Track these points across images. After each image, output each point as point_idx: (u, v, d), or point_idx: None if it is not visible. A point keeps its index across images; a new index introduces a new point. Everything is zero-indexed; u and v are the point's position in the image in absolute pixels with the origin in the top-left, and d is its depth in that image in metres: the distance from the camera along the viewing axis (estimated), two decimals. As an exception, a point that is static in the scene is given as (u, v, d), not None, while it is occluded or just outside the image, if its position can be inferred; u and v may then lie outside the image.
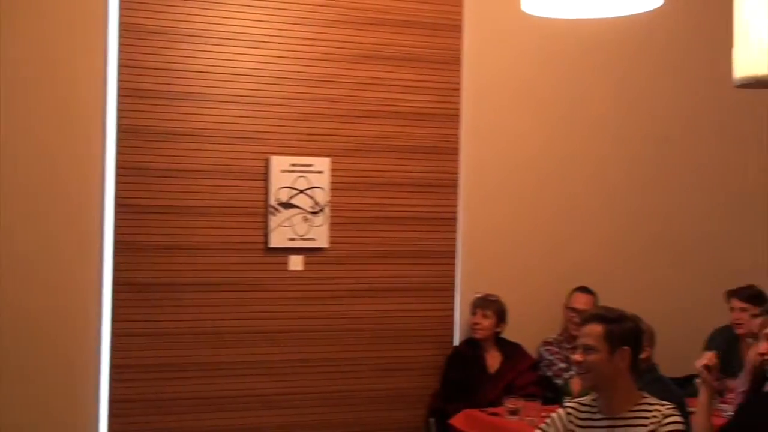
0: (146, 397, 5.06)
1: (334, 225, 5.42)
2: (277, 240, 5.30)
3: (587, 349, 3.41)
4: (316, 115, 5.40)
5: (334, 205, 5.41)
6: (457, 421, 5.16)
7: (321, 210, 5.38)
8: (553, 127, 6.02)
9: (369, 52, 5.52)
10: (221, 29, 5.20)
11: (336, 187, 5.42)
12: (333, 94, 5.44)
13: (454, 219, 5.70)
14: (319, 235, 5.38)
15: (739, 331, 5.49)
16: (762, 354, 3.83)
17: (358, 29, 5.49)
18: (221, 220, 5.21)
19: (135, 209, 5.04)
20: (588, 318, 3.51)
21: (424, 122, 5.62)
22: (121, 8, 4.99)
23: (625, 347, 3.41)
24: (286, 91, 5.34)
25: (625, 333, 3.44)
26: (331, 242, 5.42)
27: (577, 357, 3.44)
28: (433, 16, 5.64)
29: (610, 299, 5.10)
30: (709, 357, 3.91)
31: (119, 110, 5.00)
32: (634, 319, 3.53)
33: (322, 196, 5.37)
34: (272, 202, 5.28)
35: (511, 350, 5.62)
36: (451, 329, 5.71)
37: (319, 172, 5.37)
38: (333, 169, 5.41)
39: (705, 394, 3.90)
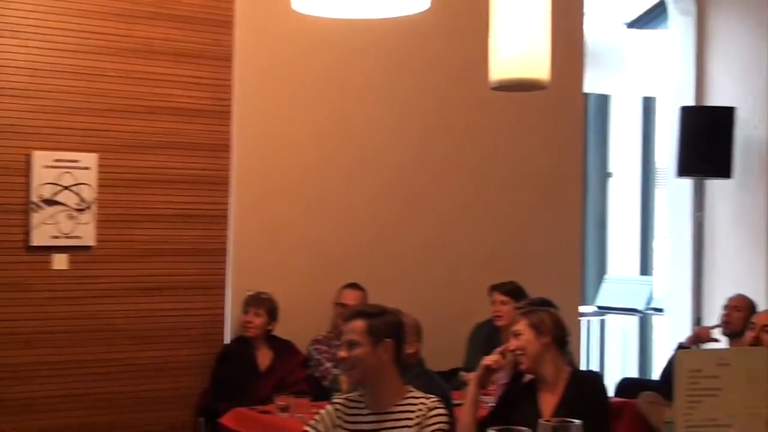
0: None
1: (102, 222, 5.27)
2: (39, 238, 5.10)
3: (351, 344, 3.47)
4: (83, 109, 5.23)
5: (101, 203, 5.25)
6: (227, 419, 5.12)
7: (88, 207, 5.21)
8: (324, 126, 6.08)
9: (139, 46, 5.40)
10: (-22, 16, 4.94)
11: (104, 184, 5.26)
12: (101, 89, 5.28)
13: (225, 217, 5.66)
14: (86, 233, 5.22)
15: (499, 323, 5.77)
16: (511, 351, 4.04)
17: (130, 22, 5.36)
18: (-22, 218, 4.96)
19: None
20: (350, 315, 3.58)
21: (195, 119, 5.55)
22: None
23: (388, 340, 3.49)
24: (51, 84, 5.14)
25: (387, 326, 3.53)
26: (99, 240, 5.27)
27: (341, 353, 3.50)
28: (205, 11, 5.57)
29: (379, 295, 5.20)
30: (495, 359, 4.09)
31: None
32: (396, 314, 3.63)
33: (89, 193, 5.21)
34: (34, 198, 5.08)
35: (282, 348, 5.64)
36: (221, 327, 5.67)
37: (86, 169, 5.20)
38: (101, 166, 5.25)
39: (474, 388, 4.07)
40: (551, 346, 4.04)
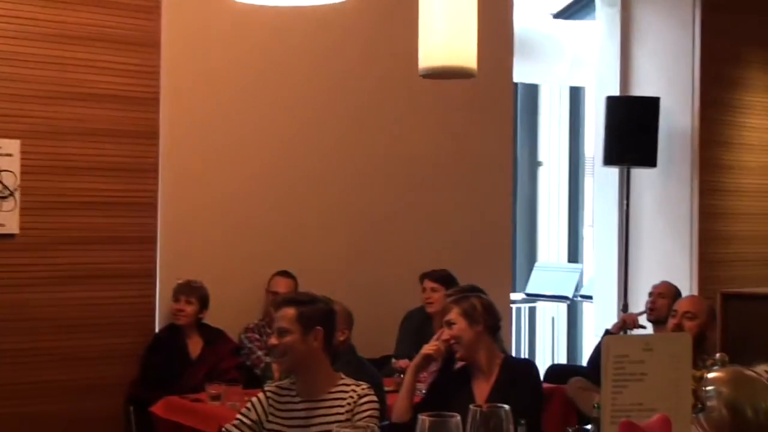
0: None
1: (26, 210, 5.17)
2: (-39, 226, 4.99)
3: (281, 332, 3.48)
4: (4, 95, 5.13)
5: (25, 190, 5.16)
6: (157, 408, 5.08)
7: (11, 194, 5.12)
8: (253, 113, 6.04)
9: (64, 31, 5.30)
10: None
11: (28, 171, 5.17)
12: (25, 74, 5.18)
13: (154, 204, 5.59)
14: (9, 221, 5.12)
15: (430, 309, 5.81)
16: (445, 340, 4.06)
17: (54, 7, 5.26)
18: None
19: None
20: (281, 303, 3.59)
21: (122, 105, 5.47)
22: None
23: (318, 328, 3.50)
24: (-29, 69, 5.03)
25: (318, 314, 3.54)
26: (22, 228, 5.17)
27: (272, 341, 3.51)
28: (132, -4, 5.50)
29: (309, 283, 5.20)
30: (435, 347, 4.11)
31: None
32: (327, 301, 3.64)
33: (12, 180, 5.11)
34: (-44, 185, 4.97)
35: (213, 336, 5.60)
36: (151, 316, 5.61)
37: (9, 155, 5.10)
38: (24, 152, 5.16)
39: (411, 375, 4.09)
40: (484, 333, 4.07)
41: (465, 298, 4.16)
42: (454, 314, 4.06)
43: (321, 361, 3.53)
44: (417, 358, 4.12)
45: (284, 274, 5.88)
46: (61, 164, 5.29)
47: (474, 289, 4.67)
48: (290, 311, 3.50)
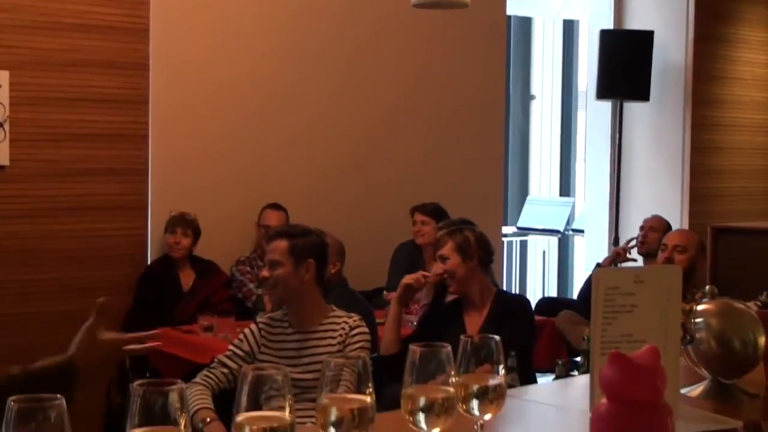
0: None
1: (16, 142, 5.13)
2: (-49, 158, 4.97)
3: (273, 264, 3.50)
4: (-8, 24, 5.06)
5: (14, 121, 5.12)
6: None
7: (0, 126, 5.08)
8: (246, 44, 5.99)
9: (51, -41, 5.22)
10: None
11: (17, 102, 5.12)
12: (13, 4, 5.10)
13: (145, 136, 5.56)
14: (-1, 153, 5.09)
15: (420, 241, 5.85)
16: (439, 275, 4.06)
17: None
18: None
19: None
20: (273, 235, 3.60)
21: (113, 36, 5.40)
22: None
23: (310, 260, 3.52)
24: (-42, -3, 4.95)
25: (310, 247, 3.56)
26: (12, 160, 5.14)
27: (264, 273, 3.53)
28: (121, -76, 5.40)
29: (302, 216, 5.20)
30: (415, 277, 4.10)
31: None
32: (319, 234, 3.64)
33: (1, 112, 5.07)
34: (-55, 117, 4.93)
35: (205, 268, 5.62)
36: (143, 248, 5.61)
37: (-3, 86, 5.06)
38: (12, 83, 5.10)
39: (396, 307, 4.09)
40: (477, 267, 4.07)
41: (458, 231, 4.13)
42: (447, 249, 4.04)
43: (313, 293, 3.55)
44: (399, 289, 4.12)
45: (275, 207, 5.88)
46: (50, 95, 5.24)
47: (465, 222, 4.67)
48: (282, 243, 3.51)
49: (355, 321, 3.52)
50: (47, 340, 5.22)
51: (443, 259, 4.04)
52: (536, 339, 4.34)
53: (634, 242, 6.22)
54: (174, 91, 5.70)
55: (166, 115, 5.65)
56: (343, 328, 3.49)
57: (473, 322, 4.00)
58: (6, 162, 5.13)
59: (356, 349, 3.42)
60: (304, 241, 3.55)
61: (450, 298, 4.48)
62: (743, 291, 2.48)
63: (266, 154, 6.07)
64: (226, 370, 3.48)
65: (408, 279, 4.10)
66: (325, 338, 3.48)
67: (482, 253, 4.09)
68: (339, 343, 3.46)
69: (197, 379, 3.48)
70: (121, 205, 5.49)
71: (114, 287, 5.46)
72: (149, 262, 5.60)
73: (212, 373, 3.49)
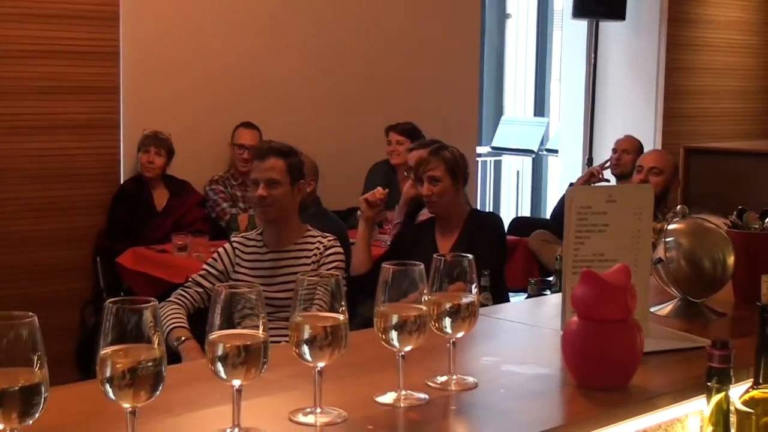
0: None
1: (-16, 59, 5.05)
2: None
3: (271, 183, 3.45)
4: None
5: (-19, 38, 5.02)
6: (124, 259, 5.11)
7: (-31, 42, 4.99)
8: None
9: None
10: None
11: (-14, 18, 5.02)
12: None
13: (116, 54, 5.47)
14: (-32, 70, 5.00)
15: (394, 161, 5.84)
16: (428, 196, 3.99)
17: None
18: None
19: None
20: (267, 152, 3.51)
21: (81, -51, 5.29)
22: None
23: (302, 181, 3.52)
24: None
25: (301, 166, 3.55)
26: (-19, 77, 5.06)
27: (260, 192, 3.46)
28: None
29: (274, 136, 5.16)
30: (372, 193, 4.08)
31: None
32: (300, 153, 3.63)
33: (-30, 28, 4.97)
34: None
35: (178, 188, 5.59)
36: (116, 167, 5.56)
37: (-35, 1, 4.95)
38: (-19, -2, 4.99)
39: (363, 226, 4.09)
40: (460, 187, 4.06)
41: (444, 150, 4.06)
42: (440, 171, 3.96)
43: (295, 213, 3.55)
44: (361, 207, 4.10)
45: (248, 125, 5.83)
46: (22, 12, 5.13)
47: (435, 143, 4.66)
48: (280, 162, 3.47)
49: (330, 241, 3.53)
50: (16, 260, 5.22)
51: (434, 180, 3.97)
52: (506, 256, 4.37)
53: (608, 164, 6.24)
54: (144, 6, 5.60)
55: (136, 31, 5.56)
56: (318, 248, 3.50)
57: (446, 241, 4.01)
58: (-26, 80, 5.05)
59: (331, 269, 3.44)
60: (297, 161, 3.53)
61: (423, 217, 4.49)
62: (715, 211, 2.50)
63: (240, 74, 6.00)
64: (200, 290, 3.49)
65: (365, 196, 4.08)
66: (299, 257, 3.49)
67: (465, 172, 4.07)
68: (314, 262, 3.47)
69: (171, 299, 3.49)
70: (92, 123, 5.42)
71: (87, 207, 5.44)
72: (122, 182, 5.56)
73: (186, 293, 3.50)
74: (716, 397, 1.58)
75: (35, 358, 1.22)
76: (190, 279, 3.56)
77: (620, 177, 6.11)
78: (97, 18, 5.36)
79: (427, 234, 4.07)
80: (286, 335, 1.52)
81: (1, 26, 5.09)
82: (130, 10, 5.50)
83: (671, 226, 2.30)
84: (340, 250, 3.55)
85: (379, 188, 4.12)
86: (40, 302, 5.11)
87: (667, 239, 2.28)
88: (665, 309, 2.30)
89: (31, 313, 1.23)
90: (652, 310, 2.22)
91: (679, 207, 2.36)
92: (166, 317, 3.36)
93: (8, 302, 5.03)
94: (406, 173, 5.05)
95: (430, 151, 4.08)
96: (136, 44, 5.56)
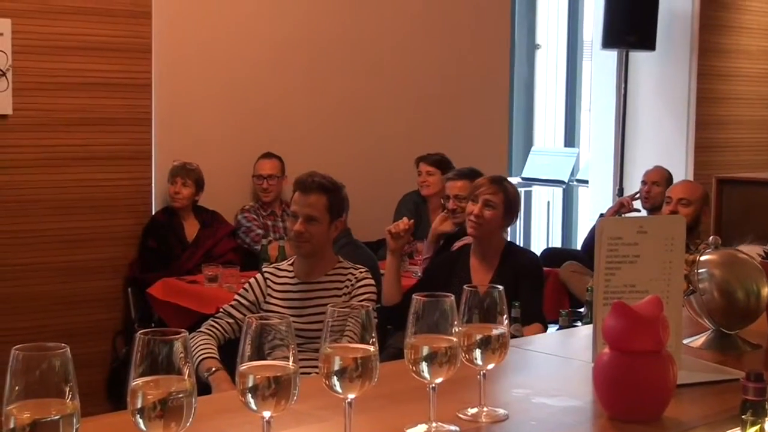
0: None
1: (18, 91, 5.10)
2: (-46, 107, 4.94)
3: (311, 219, 3.43)
4: (-6, -28, 5.01)
5: (17, 70, 5.08)
6: (155, 290, 5.13)
7: (3, 75, 5.05)
8: (250, -7, 5.95)
9: None
10: None
11: (20, 51, 5.09)
12: (12, -50, 5.05)
13: (149, 85, 5.53)
14: (2, 102, 5.06)
15: (425, 192, 5.85)
16: (477, 215, 3.90)
17: None
18: None
19: None
20: (310, 186, 3.47)
21: (115, -16, 5.36)
22: None
23: (341, 218, 3.50)
24: (-40, -55, 4.90)
25: (343, 203, 3.53)
26: (16, 109, 5.11)
27: (298, 227, 3.43)
28: None
29: (306, 168, 5.17)
30: (395, 224, 4.06)
31: None
32: (343, 188, 3.60)
33: (4, 60, 5.04)
34: (-53, 66, 4.90)
35: (209, 218, 5.62)
36: (148, 198, 5.60)
37: (0, 35, 5.02)
38: (15, 32, 5.06)
39: (390, 258, 4.07)
40: (507, 223, 4.04)
41: (506, 182, 4.04)
42: (498, 198, 3.92)
43: (329, 246, 3.55)
44: (387, 239, 4.06)
45: (268, 156, 5.84)
46: (53, 44, 5.20)
47: (473, 172, 4.65)
48: (323, 199, 3.44)
49: (361, 273, 3.52)
50: (52, 289, 5.26)
51: (489, 204, 3.92)
52: (542, 290, 4.33)
53: (638, 195, 6.21)
54: (177, 39, 5.66)
55: (168, 64, 5.61)
56: (350, 279, 3.49)
57: (482, 273, 3.95)
58: (9, 111, 5.10)
59: (362, 300, 3.43)
60: (339, 198, 3.50)
61: (458, 244, 4.45)
62: (753, 241, 2.48)
63: (269, 105, 6.05)
64: (231, 320, 3.48)
65: (389, 227, 4.05)
66: (330, 289, 3.48)
67: (516, 213, 4.04)
68: (345, 294, 3.46)
69: (202, 329, 3.48)
70: (125, 154, 5.47)
71: (119, 237, 5.47)
72: (153, 213, 5.59)
73: (217, 323, 3.50)
74: (751, 431, 1.55)
75: (67, 389, 1.23)
76: (221, 310, 3.56)
77: (651, 210, 6.07)
78: (130, 50, 5.42)
79: (462, 265, 4.03)
80: (316, 366, 1.52)
81: (37, 59, 5.16)
82: (161, 40, 5.55)
83: (704, 257, 2.28)
84: (372, 281, 3.54)
85: (404, 219, 4.10)
86: (72, 332, 5.15)
87: (699, 270, 2.26)
88: (698, 341, 2.27)
89: (63, 345, 1.24)
90: (685, 341, 2.20)
91: (711, 238, 2.34)
92: (197, 347, 3.36)
93: (41, 332, 5.07)
94: (442, 201, 5.04)
95: (492, 178, 4.04)
96: (167, 76, 5.61)
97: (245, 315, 3.27)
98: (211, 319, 3.54)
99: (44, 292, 5.26)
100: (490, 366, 1.67)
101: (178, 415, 1.31)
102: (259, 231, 5.66)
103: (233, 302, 3.54)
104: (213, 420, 1.64)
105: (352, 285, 3.48)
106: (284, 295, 3.51)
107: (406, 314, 1.60)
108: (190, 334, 3.31)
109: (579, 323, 4.48)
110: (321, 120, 6.23)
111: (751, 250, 2.36)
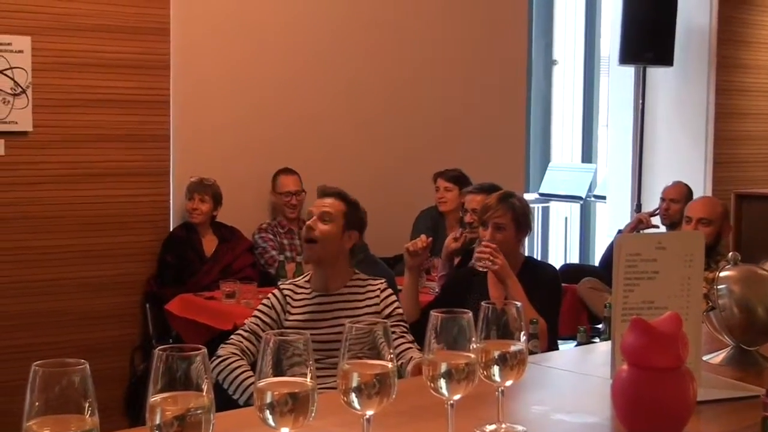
0: None
1: (38, 108, 5.14)
2: (-25, 124, 4.98)
3: (326, 217, 3.47)
4: (14, -10, 5.05)
5: (37, 87, 5.12)
6: (173, 306, 5.14)
7: (23, 92, 5.09)
8: (266, 10, 5.97)
9: (73, -76, 5.20)
10: None
11: (39, 68, 5.13)
12: (33, -31, 5.10)
13: (167, 102, 5.56)
14: (22, 118, 5.10)
15: (443, 208, 5.85)
16: (493, 247, 3.87)
17: None
18: None
19: None
20: (331, 192, 3.55)
21: (133, 1, 5.39)
22: None
23: (354, 232, 3.52)
24: (-21, -36, 4.95)
25: (359, 219, 3.56)
26: (36, 126, 5.15)
27: (310, 222, 3.46)
28: None
29: (320, 181, 5.19)
30: (414, 242, 4.06)
31: None
32: (364, 210, 3.63)
33: (24, 77, 5.08)
34: (-32, 83, 4.94)
35: (227, 234, 5.63)
36: (166, 214, 5.63)
37: (20, 52, 5.05)
38: (35, 49, 5.10)
39: (408, 275, 4.08)
40: (522, 238, 4.01)
41: (512, 197, 3.98)
42: (506, 219, 3.90)
43: (344, 260, 3.55)
44: (405, 256, 4.07)
45: (288, 171, 5.86)
46: (72, 61, 5.24)
47: (493, 187, 4.63)
48: (340, 203, 3.51)
49: (381, 283, 3.54)
50: (70, 305, 5.29)
51: (499, 228, 3.91)
52: (560, 306, 4.32)
53: (657, 211, 6.18)
54: (194, 57, 5.69)
55: (186, 81, 5.64)
56: (371, 291, 3.50)
57: (499, 289, 3.93)
58: (29, 128, 5.14)
59: (393, 310, 3.45)
60: (357, 211, 3.56)
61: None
62: (767, 257, 2.46)
63: (287, 121, 6.06)
64: (257, 341, 3.43)
65: (407, 245, 4.05)
66: (350, 300, 3.49)
67: (529, 224, 4.01)
68: (371, 305, 3.47)
69: (235, 350, 3.38)
70: (143, 171, 5.50)
71: (137, 253, 5.49)
72: (172, 228, 5.61)
73: (245, 345, 3.41)
74: (772, 448, 1.54)
75: (86, 405, 1.23)
76: (245, 329, 3.49)
77: (670, 226, 6.04)
78: (148, 67, 5.46)
79: (480, 282, 4.02)
80: (335, 378, 1.52)
81: (57, 76, 5.19)
82: (179, 58, 5.59)
83: (723, 273, 2.27)
84: (392, 292, 3.58)
85: (423, 236, 4.10)
86: (91, 348, 5.17)
87: (719, 286, 2.25)
88: (718, 357, 2.26)
89: (83, 361, 1.24)
90: (704, 358, 2.19)
91: (730, 254, 2.33)
92: (242, 372, 3.32)
93: (60, 348, 5.09)
94: (461, 214, 5.03)
95: (499, 197, 4.00)
96: (185, 93, 5.64)
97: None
98: (237, 337, 3.45)
99: (64, 308, 5.28)
100: (509, 383, 1.66)
101: (196, 431, 1.31)
102: (273, 252, 5.66)
103: (255, 320, 3.49)
104: (231, 436, 1.64)
105: (376, 296, 3.49)
106: (303, 309, 3.51)
107: (424, 331, 1.60)
108: (216, 352, 3.33)
109: (597, 339, 4.45)
110: (338, 136, 6.25)
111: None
